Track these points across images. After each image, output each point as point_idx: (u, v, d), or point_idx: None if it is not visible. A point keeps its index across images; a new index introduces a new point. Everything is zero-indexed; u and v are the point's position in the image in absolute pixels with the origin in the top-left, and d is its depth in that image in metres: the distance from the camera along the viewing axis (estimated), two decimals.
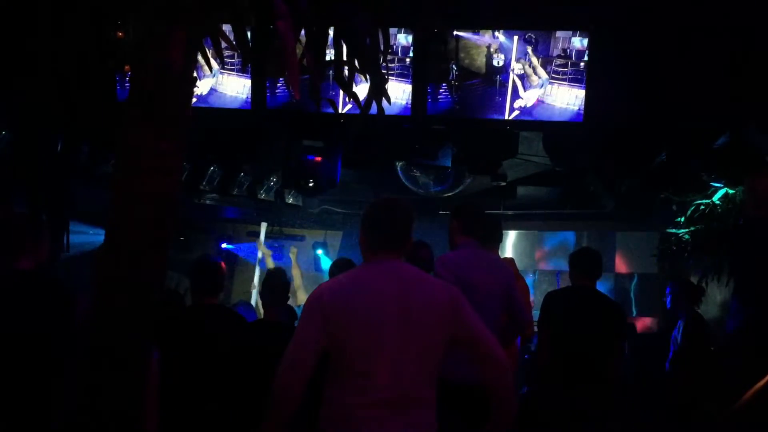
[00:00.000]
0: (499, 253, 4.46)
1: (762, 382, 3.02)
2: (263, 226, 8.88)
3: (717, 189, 5.84)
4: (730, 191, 5.73)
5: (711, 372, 4.66)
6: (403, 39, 4.92)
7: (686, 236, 6.11)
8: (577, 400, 4.10)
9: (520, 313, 3.71)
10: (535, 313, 4.88)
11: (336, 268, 4.37)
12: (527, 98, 4.89)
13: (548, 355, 4.23)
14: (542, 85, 4.85)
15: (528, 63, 4.85)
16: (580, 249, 4.77)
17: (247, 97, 5.18)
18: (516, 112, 4.94)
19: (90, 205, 5.58)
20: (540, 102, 4.88)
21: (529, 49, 4.84)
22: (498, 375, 2.41)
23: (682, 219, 6.14)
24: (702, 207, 5.98)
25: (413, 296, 2.38)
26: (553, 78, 4.82)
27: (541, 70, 4.84)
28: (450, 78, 4.95)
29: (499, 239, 4.32)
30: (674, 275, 6.24)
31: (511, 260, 4.66)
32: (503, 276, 3.70)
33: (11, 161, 5.10)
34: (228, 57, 5.02)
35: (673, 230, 6.23)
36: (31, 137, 5.11)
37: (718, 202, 5.86)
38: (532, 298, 5.49)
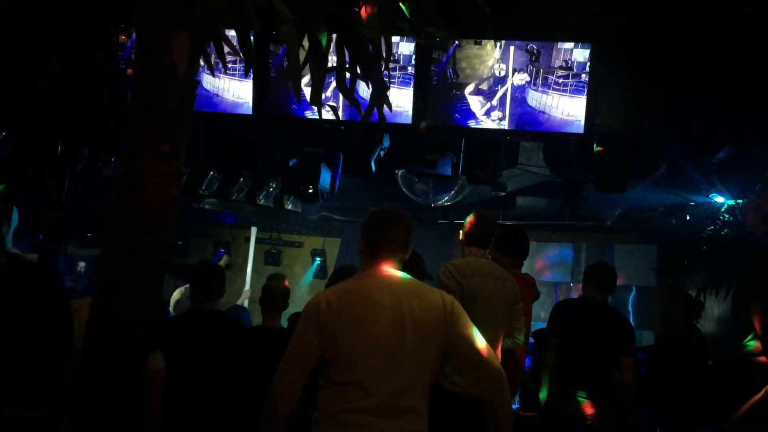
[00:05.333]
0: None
1: (758, 396, 3.02)
2: (254, 231, 8.85)
3: (717, 202, 5.85)
4: (731, 203, 5.74)
5: (710, 387, 4.62)
6: (406, 48, 4.93)
7: (685, 249, 6.12)
8: (582, 411, 4.06)
9: (514, 332, 3.69)
10: (534, 324, 4.84)
11: (338, 275, 4.32)
12: (528, 108, 4.90)
13: (555, 364, 4.18)
14: (543, 96, 4.85)
15: (529, 73, 4.86)
16: (598, 263, 4.67)
17: (249, 102, 5.18)
18: (516, 122, 4.94)
19: (90, 207, 5.58)
20: (541, 112, 4.88)
21: (531, 60, 4.85)
22: (492, 385, 2.41)
23: (682, 231, 6.15)
24: (702, 220, 5.99)
25: (409, 305, 2.38)
26: (554, 89, 4.83)
27: (542, 81, 4.85)
28: (451, 87, 4.97)
29: (523, 254, 4.25)
30: (672, 288, 6.23)
31: (531, 279, 4.53)
32: (509, 288, 3.67)
33: (12, 161, 5.10)
34: (230, 62, 5.03)
35: (672, 243, 6.23)
36: (33, 139, 5.11)
37: (718, 216, 5.87)
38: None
